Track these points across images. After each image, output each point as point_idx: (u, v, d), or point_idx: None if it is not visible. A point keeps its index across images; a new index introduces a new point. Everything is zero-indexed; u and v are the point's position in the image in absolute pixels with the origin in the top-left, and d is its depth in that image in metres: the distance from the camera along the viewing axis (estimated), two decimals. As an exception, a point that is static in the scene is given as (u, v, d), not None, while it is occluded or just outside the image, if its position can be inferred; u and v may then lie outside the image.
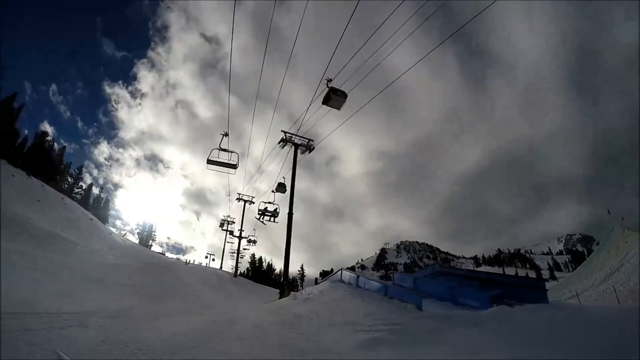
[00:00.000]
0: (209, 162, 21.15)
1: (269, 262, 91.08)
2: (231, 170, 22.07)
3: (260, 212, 33.51)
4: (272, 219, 33.77)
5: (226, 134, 20.23)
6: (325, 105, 15.83)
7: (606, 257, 55.79)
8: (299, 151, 27.86)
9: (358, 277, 17.09)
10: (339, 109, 15.45)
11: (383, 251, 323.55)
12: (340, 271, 19.70)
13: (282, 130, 27.50)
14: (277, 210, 33.46)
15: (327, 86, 14.74)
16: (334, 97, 14.78)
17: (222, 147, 20.61)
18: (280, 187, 29.75)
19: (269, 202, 33.22)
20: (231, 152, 20.91)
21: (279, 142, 27.58)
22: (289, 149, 27.84)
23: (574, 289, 52.59)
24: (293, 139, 27.64)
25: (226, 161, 21.12)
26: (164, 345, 7.31)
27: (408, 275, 20.07)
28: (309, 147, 28.13)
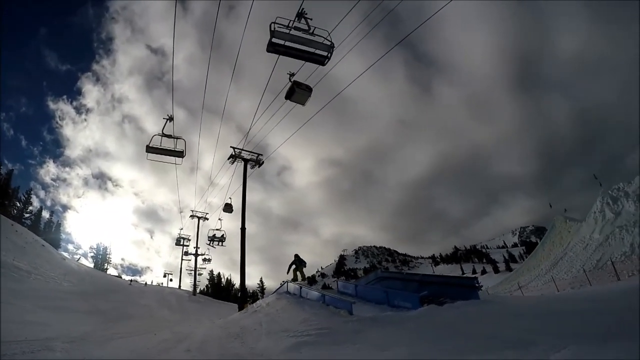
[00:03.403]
0: (150, 150, 18.31)
1: (227, 278, 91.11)
2: (178, 160, 19.05)
3: (210, 238, 37.39)
4: (220, 243, 37.02)
5: (171, 118, 17.96)
6: (275, 112, 15.98)
7: (551, 247, 58.82)
8: (248, 166, 28.37)
9: (301, 287, 17.95)
10: (303, 104, 14.00)
11: (342, 258, 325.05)
12: (286, 283, 20.39)
13: (230, 146, 28.11)
14: (224, 236, 37.59)
15: (290, 80, 13.50)
16: (298, 91, 13.42)
17: (166, 132, 18.12)
18: (228, 208, 30.93)
19: (217, 229, 37.06)
20: (177, 137, 18.29)
21: (229, 158, 28.06)
22: (238, 164, 28.33)
23: (519, 282, 55.24)
24: (242, 154, 28.17)
25: (171, 148, 18.42)
26: (120, 361, 8.28)
27: (350, 282, 21.08)
28: (258, 162, 28.75)
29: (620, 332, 6.41)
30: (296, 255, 21.27)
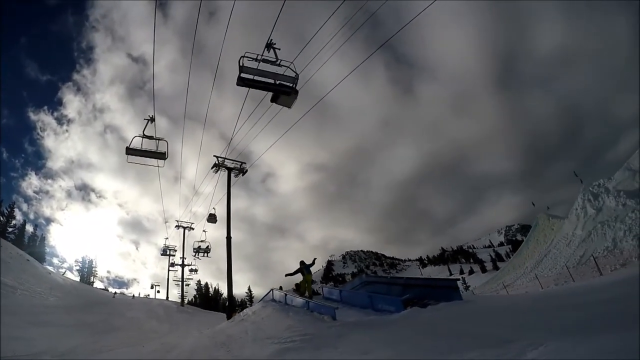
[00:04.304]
0: (130, 151, 17.43)
1: (215, 287, 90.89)
2: (160, 162, 18.07)
3: (195, 250, 39.37)
4: (205, 254, 38.36)
5: (152, 119, 17.22)
6: (254, 117, 16.12)
7: (535, 245, 59.71)
8: (232, 174, 28.48)
9: (286, 295, 18.13)
10: (289, 107, 13.66)
11: (330, 263, 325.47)
12: (271, 291, 20.41)
13: (214, 155, 28.25)
14: (209, 247, 39.49)
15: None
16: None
17: (147, 134, 17.33)
18: (212, 218, 31.33)
19: (202, 241, 38.96)
20: (158, 139, 17.45)
21: (212, 168, 28.26)
22: (222, 173, 28.45)
23: (505, 280, 55.93)
24: (225, 163, 28.31)
25: (152, 150, 17.57)
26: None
27: (335, 288, 21.15)
28: (241, 170, 28.86)
29: (600, 326, 6.65)
30: (301, 262, 18.85)
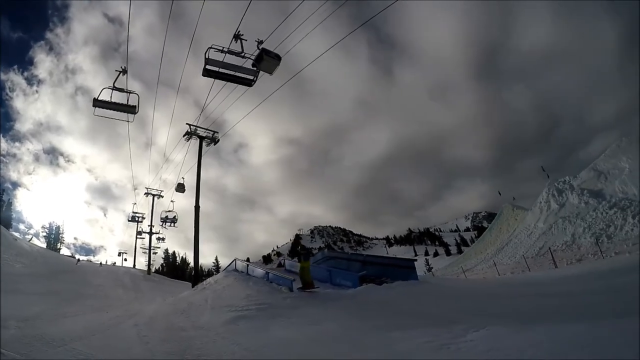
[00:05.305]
0: (98, 103, 16.20)
1: (182, 257, 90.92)
2: (130, 117, 16.86)
3: (162, 220, 39.59)
4: (172, 224, 38.70)
5: (124, 71, 15.90)
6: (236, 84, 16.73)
7: (498, 234, 61.23)
8: (204, 143, 28.58)
9: (248, 265, 18.55)
10: (271, 73, 13.33)
11: (297, 237, 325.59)
12: (234, 261, 20.75)
13: (186, 123, 28.16)
14: (176, 217, 39.56)
15: (258, 47, 12.65)
16: (267, 59, 12.71)
17: (118, 86, 15.94)
18: (180, 188, 31.53)
19: (169, 211, 39.12)
20: (129, 92, 16.22)
21: (184, 135, 28.25)
22: (194, 141, 28.48)
23: (465, 265, 57.40)
24: (198, 131, 28.30)
25: (122, 103, 16.36)
26: (71, 335, 8.79)
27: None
28: (214, 139, 28.99)
29: (542, 318, 7.25)
30: (302, 247, 17.82)
